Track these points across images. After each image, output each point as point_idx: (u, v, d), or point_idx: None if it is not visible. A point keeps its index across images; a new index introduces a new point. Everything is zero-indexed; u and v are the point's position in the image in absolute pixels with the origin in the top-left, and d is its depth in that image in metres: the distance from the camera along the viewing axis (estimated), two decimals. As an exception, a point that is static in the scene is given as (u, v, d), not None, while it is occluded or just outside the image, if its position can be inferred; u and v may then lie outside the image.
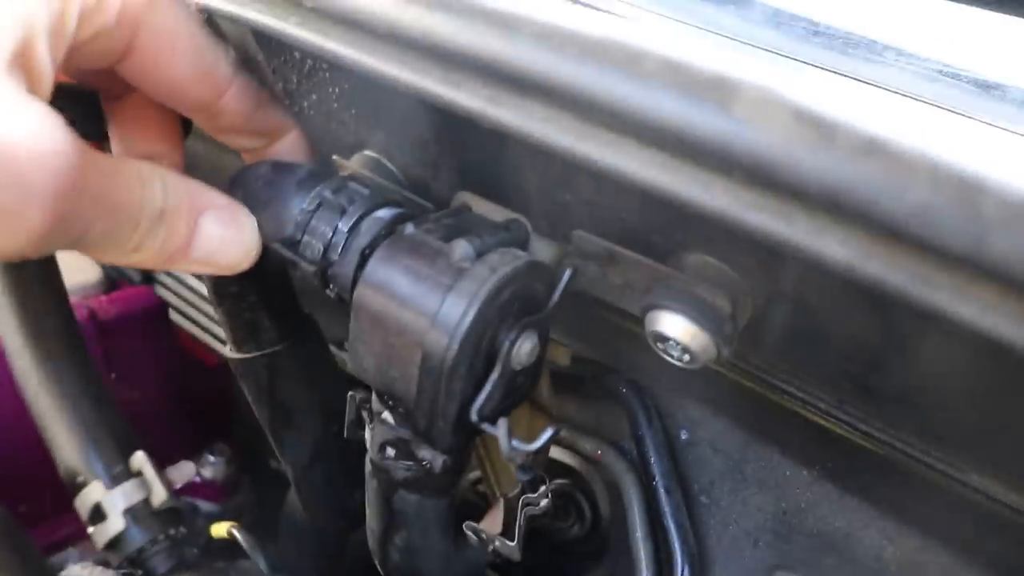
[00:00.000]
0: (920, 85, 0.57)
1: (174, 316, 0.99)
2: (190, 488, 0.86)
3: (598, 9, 0.53)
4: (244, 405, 0.71)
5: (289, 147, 0.55)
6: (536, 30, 0.35)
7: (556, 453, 0.62)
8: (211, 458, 0.86)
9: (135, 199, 0.39)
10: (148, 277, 1.03)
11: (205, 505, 0.86)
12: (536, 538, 0.68)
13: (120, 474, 0.47)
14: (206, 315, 0.90)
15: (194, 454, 0.87)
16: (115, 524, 0.46)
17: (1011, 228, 0.28)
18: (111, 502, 0.46)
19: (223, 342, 0.89)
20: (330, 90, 0.56)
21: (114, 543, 0.46)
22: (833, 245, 0.31)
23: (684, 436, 0.59)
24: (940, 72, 0.59)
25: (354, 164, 0.59)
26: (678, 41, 0.34)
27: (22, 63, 0.35)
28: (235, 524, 0.66)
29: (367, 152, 0.60)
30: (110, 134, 0.51)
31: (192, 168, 0.87)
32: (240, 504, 0.90)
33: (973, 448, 0.48)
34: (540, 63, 0.35)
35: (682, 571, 0.55)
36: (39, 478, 0.54)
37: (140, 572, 0.47)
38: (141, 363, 0.79)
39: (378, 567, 0.58)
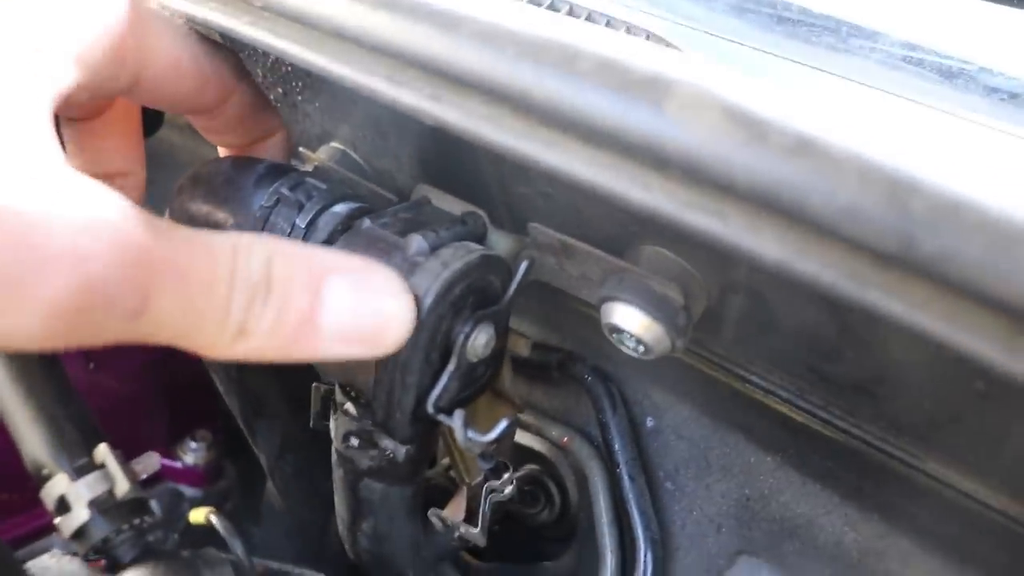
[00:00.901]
0: (881, 73, 0.57)
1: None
2: (173, 474, 0.87)
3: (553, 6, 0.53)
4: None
5: (275, 146, 0.55)
6: (476, 29, 0.36)
7: (525, 439, 0.63)
8: (192, 444, 0.86)
9: (217, 266, 0.33)
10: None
11: (188, 491, 0.87)
12: (508, 523, 0.68)
13: (84, 466, 0.47)
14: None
15: (177, 441, 0.87)
16: (80, 515, 0.47)
17: (939, 228, 0.29)
18: (76, 494, 0.47)
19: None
20: (294, 84, 0.56)
21: (79, 533, 0.47)
22: (766, 243, 0.32)
23: (650, 423, 0.59)
24: (905, 59, 0.59)
25: (321, 155, 0.60)
26: (615, 40, 0.34)
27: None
28: (212, 510, 0.66)
29: (333, 144, 0.60)
30: (69, 156, 0.45)
31: (168, 158, 0.87)
32: (224, 489, 0.91)
33: (928, 436, 0.49)
34: (479, 62, 0.35)
35: (645, 556, 0.56)
36: (17, 467, 0.55)
37: (107, 561, 0.47)
38: (120, 353, 0.79)
39: (349, 553, 0.59)
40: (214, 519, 0.66)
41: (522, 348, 0.52)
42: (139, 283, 0.30)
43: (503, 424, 0.45)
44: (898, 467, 0.51)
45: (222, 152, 0.57)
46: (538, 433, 0.62)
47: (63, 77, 0.35)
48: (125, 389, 0.81)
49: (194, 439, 0.87)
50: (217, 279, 0.33)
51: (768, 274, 0.40)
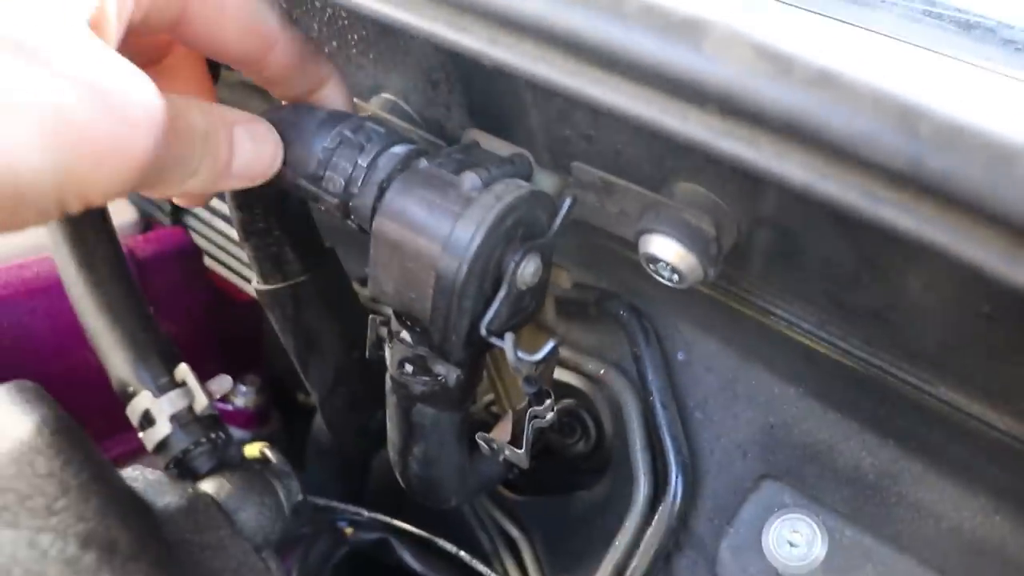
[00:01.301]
0: (901, 25, 0.60)
1: (205, 248, 1.04)
2: (224, 415, 0.92)
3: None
4: (273, 341, 0.76)
5: (330, 94, 0.56)
6: (532, -23, 0.39)
7: (562, 375, 0.67)
8: (243, 388, 0.91)
9: (189, 125, 0.42)
10: (177, 219, 1.09)
11: (237, 432, 0.92)
12: (546, 457, 0.73)
13: (166, 384, 0.52)
14: (234, 256, 0.95)
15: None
16: (162, 429, 0.51)
17: (945, 149, 0.33)
18: (159, 409, 0.51)
19: (249, 280, 0.95)
20: (349, 37, 0.60)
21: (161, 446, 0.51)
22: (793, 168, 0.36)
23: (681, 356, 0.63)
24: (925, 12, 0.62)
25: (373, 106, 0.64)
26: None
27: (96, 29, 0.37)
28: (267, 444, 0.71)
29: (385, 95, 0.64)
30: None
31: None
32: (270, 433, 0.96)
33: (939, 361, 0.53)
34: (533, 7, 0.39)
35: (676, 479, 0.60)
36: (102, 398, 0.59)
37: (186, 471, 0.52)
38: (176, 299, 0.84)
39: (399, 478, 0.63)
40: (268, 452, 0.71)
41: (564, 281, 0.56)
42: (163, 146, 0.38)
43: (549, 345, 0.49)
44: (912, 393, 0.55)
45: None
46: (575, 368, 0.66)
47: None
48: (180, 332, 0.86)
49: (243, 383, 0.92)
50: (190, 132, 0.42)
51: (794, 202, 0.44)
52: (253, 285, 0.70)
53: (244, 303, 0.91)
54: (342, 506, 0.83)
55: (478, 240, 0.47)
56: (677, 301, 0.63)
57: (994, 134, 0.32)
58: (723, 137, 0.36)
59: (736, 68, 0.35)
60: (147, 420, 0.52)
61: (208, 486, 0.51)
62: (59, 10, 0.36)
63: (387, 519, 0.81)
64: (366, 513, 0.81)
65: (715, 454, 0.62)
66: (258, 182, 0.49)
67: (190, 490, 0.49)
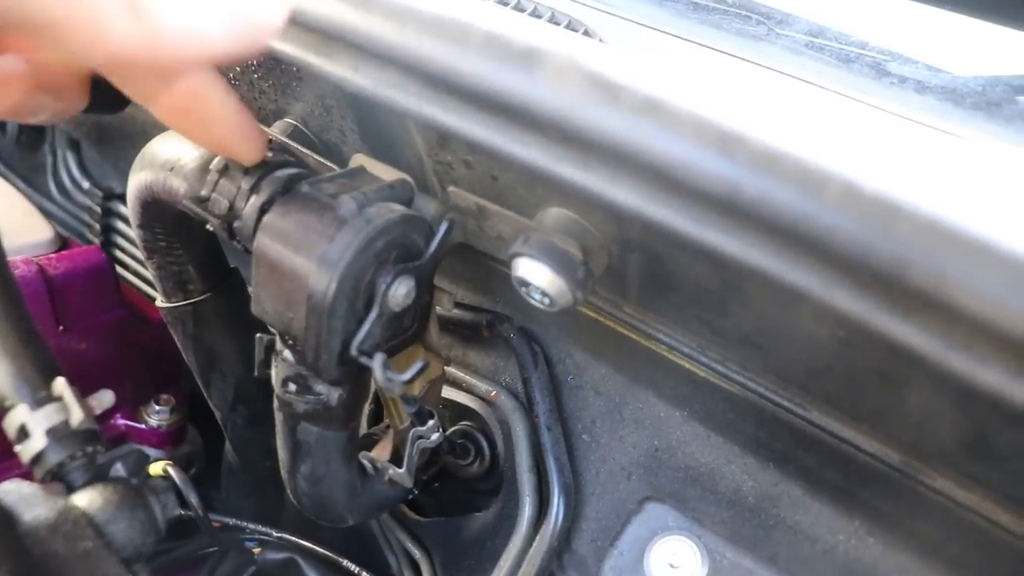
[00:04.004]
0: (784, 57, 0.62)
1: (125, 274, 1.04)
2: (138, 435, 0.91)
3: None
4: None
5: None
6: (387, 8, 0.41)
7: (458, 396, 0.68)
8: (156, 407, 0.91)
9: None
10: (105, 240, 1.09)
11: (153, 452, 0.92)
12: (445, 477, 0.73)
13: (43, 398, 0.52)
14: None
15: (143, 403, 0.92)
16: (38, 442, 0.52)
17: (762, 175, 0.34)
18: (34, 422, 0.52)
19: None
20: (250, 64, 0.62)
21: (37, 459, 0.52)
22: (624, 192, 0.37)
23: (571, 379, 0.64)
24: (808, 45, 0.64)
25: (275, 130, 0.65)
26: (506, 18, 0.40)
27: None
28: (170, 463, 0.71)
29: (287, 119, 0.65)
30: None
31: (137, 132, 0.92)
32: (187, 453, 0.96)
33: (809, 386, 0.54)
34: (389, 36, 0.40)
35: (558, 500, 0.61)
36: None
37: (61, 485, 0.52)
38: (91, 317, 0.84)
39: (291, 496, 0.64)
40: (171, 471, 0.71)
41: (447, 304, 0.57)
42: None
43: (417, 366, 0.50)
44: (788, 417, 0.56)
45: None
46: (469, 390, 0.67)
47: None
48: (93, 351, 0.86)
49: (158, 402, 0.92)
50: None
51: (640, 226, 0.45)
52: (157, 303, 0.70)
53: (160, 320, 0.91)
54: (251, 526, 0.83)
55: (347, 260, 0.47)
56: (568, 325, 0.64)
57: (807, 161, 0.34)
58: (558, 162, 0.37)
59: (567, 96, 0.36)
60: (23, 433, 0.52)
61: (80, 499, 0.51)
62: None
63: (294, 539, 0.81)
64: (274, 533, 0.81)
65: (600, 476, 0.63)
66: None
67: (61, 503, 0.49)
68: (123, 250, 1.11)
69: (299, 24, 0.43)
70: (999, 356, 0.33)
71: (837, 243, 0.33)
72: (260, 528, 0.82)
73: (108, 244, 1.13)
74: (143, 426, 0.91)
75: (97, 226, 1.12)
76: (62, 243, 0.89)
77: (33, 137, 1.18)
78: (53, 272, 0.81)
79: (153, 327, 0.87)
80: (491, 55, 0.38)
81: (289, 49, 0.44)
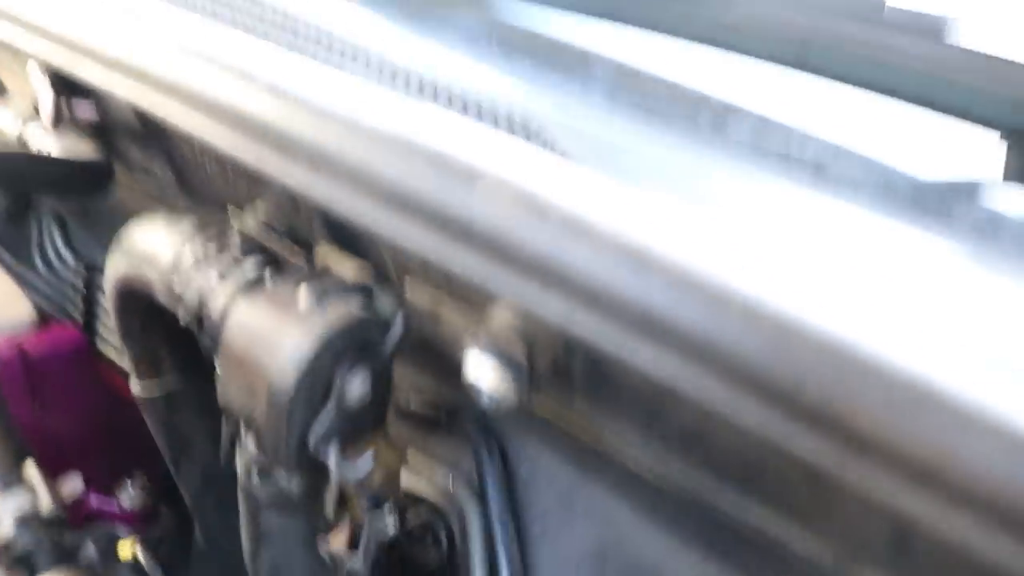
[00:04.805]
0: (724, 161, 0.66)
1: (105, 349, 1.06)
2: (110, 515, 0.93)
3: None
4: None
5: None
6: (341, 123, 0.44)
7: (418, 485, 0.70)
8: (129, 487, 0.93)
9: None
10: (88, 314, 1.11)
11: (124, 532, 0.93)
12: (407, 566, 0.75)
13: (11, 481, 0.55)
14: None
15: (118, 482, 0.94)
16: (4, 530, 0.54)
17: (671, 293, 0.37)
18: (2, 509, 0.54)
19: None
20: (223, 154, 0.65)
21: (4, 546, 0.54)
22: (552, 305, 0.40)
23: (524, 471, 0.66)
24: (750, 146, 0.67)
25: (247, 216, 0.68)
26: (455, 135, 0.43)
27: None
28: (137, 543, 0.73)
29: (258, 204, 0.69)
30: None
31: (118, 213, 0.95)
32: (159, 533, 0.97)
33: (747, 488, 0.56)
34: (341, 148, 0.44)
35: (506, 591, 0.63)
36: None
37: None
38: (68, 396, 0.87)
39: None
40: (139, 552, 0.73)
41: (406, 395, 0.60)
42: None
43: (369, 462, 0.52)
44: (726, 516, 0.59)
45: None
46: (428, 480, 0.69)
47: None
48: (68, 431, 0.88)
49: (132, 483, 0.94)
50: None
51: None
52: (131, 386, 0.73)
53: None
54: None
55: (306, 356, 0.50)
56: (523, 419, 0.67)
57: (714, 278, 0.37)
58: (491, 273, 0.41)
59: (497, 213, 0.40)
60: (-9, 518, 0.55)
61: (43, 583, 0.53)
62: None
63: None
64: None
65: (550, 568, 0.65)
66: None
67: (21, 592, 0.51)
68: (105, 325, 1.14)
69: (258, 130, 0.47)
70: (889, 469, 0.35)
71: (738, 359, 0.36)
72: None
73: (90, 318, 1.16)
74: (115, 507, 0.93)
75: (80, 301, 1.15)
76: (43, 321, 0.92)
77: (20, 210, 1.21)
78: (33, 353, 0.83)
79: (130, 406, 0.89)
80: (433, 172, 0.41)
81: (250, 152, 0.48)
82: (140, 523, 0.95)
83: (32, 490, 0.54)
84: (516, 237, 0.39)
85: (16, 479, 0.55)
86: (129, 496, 0.93)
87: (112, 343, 1.10)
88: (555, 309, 0.39)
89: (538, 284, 0.39)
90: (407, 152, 0.42)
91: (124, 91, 0.54)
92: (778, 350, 0.36)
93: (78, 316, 1.13)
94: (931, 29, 0.71)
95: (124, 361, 1.08)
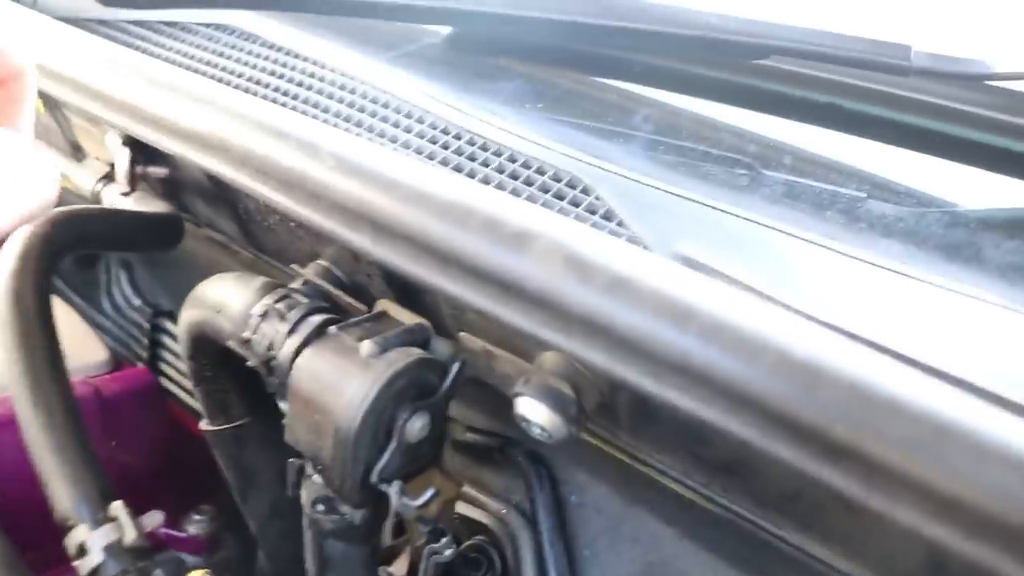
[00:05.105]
0: (761, 207, 0.69)
1: (170, 387, 1.12)
2: (177, 543, 0.98)
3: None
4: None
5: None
6: (403, 192, 0.49)
7: (472, 512, 0.73)
8: (196, 517, 0.98)
9: None
10: (153, 355, 1.17)
11: (190, 559, 0.98)
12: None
13: (101, 519, 0.59)
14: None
15: (184, 512, 0.99)
16: (95, 558, 0.58)
17: (709, 344, 0.41)
18: (92, 540, 0.59)
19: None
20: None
21: (93, 573, 0.59)
22: (596, 355, 0.44)
23: (574, 499, 0.70)
24: (785, 193, 0.71)
25: (309, 272, 0.73)
26: (503, 201, 0.47)
27: None
28: (207, 572, 0.77)
29: (320, 261, 0.73)
30: None
31: (190, 263, 1.00)
32: (223, 560, 1.02)
33: (782, 508, 0.60)
34: (401, 216, 0.48)
35: (560, 613, 0.67)
36: (45, 529, 0.66)
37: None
38: (138, 434, 0.92)
39: (316, 608, 0.70)
40: (208, 578, 0.77)
41: (461, 430, 0.64)
42: None
43: (429, 493, 0.56)
44: (766, 537, 0.62)
45: None
46: (482, 507, 0.73)
47: None
48: (140, 465, 0.94)
49: (198, 512, 0.98)
50: None
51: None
52: (201, 425, 0.78)
53: (202, 436, 0.98)
54: (282, 632, 0.89)
55: (370, 399, 0.55)
56: (572, 450, 0.70)
57: (747, 330, 0.40)
58: (543, 327, 0.45)
59: (550, 274, 0.44)
60: (82, 551, 0.59)
61: (132, 609, 0.58)
62: None
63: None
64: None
65: (600, 589, 0.69)
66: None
67: (114, 613, 0.56)
68: (170, 365, 1.19)
69: (324, 197, 0.52)
70: (912, 499, 0.39)
71: (771, 402, 0.40)
72: (290, 634, 0.87)
73: (155, 359, 1.22)
74: (183, 534, 0.98)
75: (146, 341, 1.20)
76: (116, 364, 0.98)
77: (90, 256, 1.28)
78: (107, 393, 0.89)
79: (195, 440, 0.94)
80: (488, 237, 0.45)
81: (316, 218, 0.52)
82: (206, 551, 1.00)
83: (119, 524, 0.59)
84: (566, 295, 0.43)
85: (104, 518, 0.60)
86: (195, 525, 0.98)
87: (177, 382, 1.15)
88: (601, 359, 0.43)
89: (586, 336, 0.43)
90: (464, 217, 0.46)
91: (197, 159, 0.58)
92: (807, 393, 0.39)
93: (144, 356, 1.19)
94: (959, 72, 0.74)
95: (190, 399, 1.14)
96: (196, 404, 1.09)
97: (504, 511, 0.71)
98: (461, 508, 0.73)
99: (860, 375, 0.39)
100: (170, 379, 1.17)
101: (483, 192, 0.48)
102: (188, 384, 1.08)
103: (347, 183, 0.50)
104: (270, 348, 0.60)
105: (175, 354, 1.18)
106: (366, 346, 0.56)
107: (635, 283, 0.42)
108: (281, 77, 0.77)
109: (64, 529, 0.61)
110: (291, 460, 0.65)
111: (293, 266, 0.72)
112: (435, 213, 0.47)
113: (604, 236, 0.46)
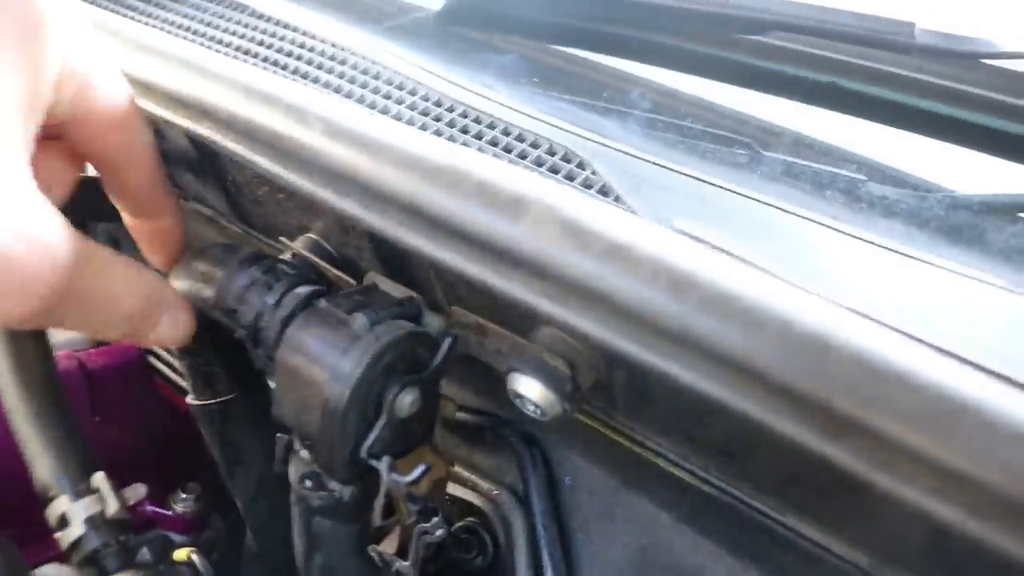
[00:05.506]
0: (760, 185, 0.68)
1: (159, 366, 1.11)
2: (165, 521, 0.96)
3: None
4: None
5: (168, 228, 0.63)
6: (396, 156, 0.47)
7: (464, 494, 0.72)
8: (183, 495, 0.96)
9: (116, 304, 0.50)
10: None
11: (177, 538, 0.96)
12: (451, 571, 0.78)
13: (83, 490, 0.58)
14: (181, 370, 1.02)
15: (170, 490, 0.97)
16: (76, 530, 0.57)
17: (709, 313, 0.39)
18: (74, 512, 0.57)
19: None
20: (275, 185, 0.68)
21: (74, 545, 0.57)
22: (592, 324, 0.42)
23: (568, 481, 0.69)
24: (784, 172, 0.69)
25: (298, 245, 0.71)
26: (496, 166, 0.46)
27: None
28: (194, 549, 0.76)
29: (309, 235, 0.72)
30: None
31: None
32: (210, 539, 1.01)
33: (781, 492, 0.58)
34: (393, 181, 0.46)
35: (552, 596, 0.65)
36: (28, 505, 0.65)
37: (95, 570, 0.58)
38: (124, 409, 0.90)
39: (303, 586, 0.68)
40: (195, 557, 0.76)
41: (450, 411, 0.62)
42: (65, 308, 0.46)
43: (419, 469, 0.55)
44: (764, 520, 0.61)
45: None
46: (474, 488, 0.72)
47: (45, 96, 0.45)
48: (126, 441, 0.92)
49: (184, 490, 0.97)
50: (110, 312, 0.50)
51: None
52: (188, 400, 0.76)
53: (191, 414, 0.97)
54: (267, 613, 0.87)
55: (359, 372, 0.53)
56: (566, 431, 0.69)
57: (749, 299, 0.39)
58: (538, 297, 0.43)
59: (545, 241, 0.42)
60: (63, 522, 0.58)
61: (114, 583, 0.57)
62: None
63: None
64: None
65: (593, 572, 0.67)
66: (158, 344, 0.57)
67: (94, 587, 0.55)
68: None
69: (313, 163, 0.50)
70: (919, 475, 0.37)
71: (775, 375, 0.38)
72: (277, 615, 0.86)
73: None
74: (169, 512, 0.97)
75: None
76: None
77: (75, 227, 1.26)
78: (92, 366, 0.87)
79: (181, 418, 0.93)
80: (483, 202, 0.44)
81: (305, 184, 0.50)
82: (192, 530, 0.99)
83: (100, 495, 0.58)
84: (563, 262, 0.41)
85: (86, 489, 0.58)
86: (182, 504, 0.96)
87: (163, 358, 1.14)
88: (598, 329, 0.42)
89: (583, 305, 0.42)
90: (457, 182, 0.44)
91: (183, 124, 0.57)
92: (813, 365, 0.38)
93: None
94: (964, 51, 0.72)
95: (176, 376, 1.12)
96: (182, 381, 1.08)
97: (496, 492, 0.70)
98: (452, 489, 0.72)
99: (868, 347, 0.37)
100: (155, 355, 1.16)
101: (477, 157, 0.46)
102: (174, 360, 1.06)
103: (336, 147, 0.48)
104: (257, 319, 0.59)
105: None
106: (357, 319, 0.55)
107: (634, 250, 0.41)
108: (270, 47, 0.76)
109: (45, 500, 0.59)
110: (279, 435, 0.63)
111: (282, 239, 0.70)
112: (427, 177, 0.45)
113: (601, 203, 0.45)
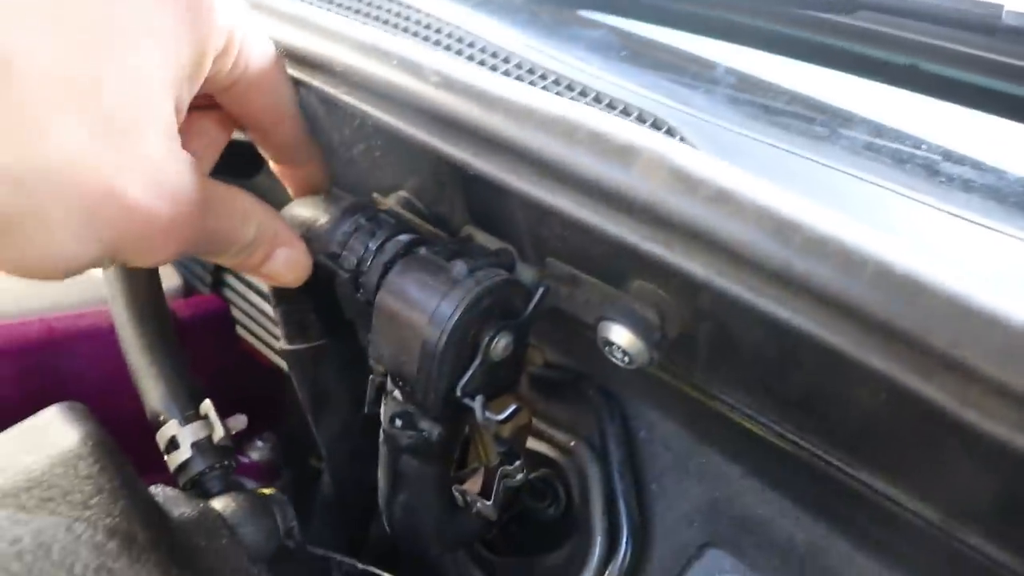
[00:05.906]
0: (841, 156, 0.70)
1: (237, 316, 1.15)
2: (239, 467, 1.00)
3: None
4: (292, 404, 0.85)
5: (313, 172, 0.67)
6: (508, 106, 0.50)
7: (539, 446, 0.75)
8: (259, 443, 1.00)
9: (235, 234, 0.53)
10: (216, 288, 1.20)
11: (250, 484, 1.00)
12: (522, 519, 0.81)
13: (191, 416, 0.62)
14: (262, 326, 1.06)
15: (246, 441, 1.01)
16: (184, 452, 0.61)
17: (811, 255, 0.42)
18: (183, 436, 0.61)
19: (274, 349, 1.05)
20: (373, 142, 0.72)
21: (182, 467, 0.61)
22: (697, 266, 0.45)
23: (643, 434, 0.72)
24: (867, 145, 0.72)
25: (391, 201, 0.74)
26: (607, 119, 0.48)
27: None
28: (273, 489, 0.80)
29: (401, 192, 0.75)
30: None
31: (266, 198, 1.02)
32: (280, 488, 1.04)
33: (855, 447, 0.61)
34: (505, 129, 0.49)
35: (627, 541, 0.68)
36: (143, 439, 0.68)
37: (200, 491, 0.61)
38: (207, 359, 0.94)
39: (385, 524, 0.72)
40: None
41: (537, 359, 0.65)
42: (197, 242, 0.50)
43: (511, 408, 0.58)
44: (837, 475, 0.63)
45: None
46: (550, 440, 0.75)
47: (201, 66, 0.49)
48: (208, 389, 0.96)
49: (261, 439, 1.01)
50: (233, 239, 0.53)
51: (719, 298, 0.53)
52: (279, 345, 0.80)
53: (268, 368, 1.00)
54: (338, 557, 0.91)
55: (457, 315, 0.56)
56: (643, 386, 0.72)
57: (849, 242, 0.41)
58: (644, 240, 0.46)
59: (655, 186, 0.45)
60: (172, 445, 0.62)
61: (217, 504, 0.60)
62: (155, 92, 0.45)
63: (378, 572, 0.88)
64: (359, 565, 0.89)
65: (665, 522, 0.70)
66: (280, 285, 0.61)
67: (201, 505, 0.58)
68: (231, 301, 1.22)
69: (429, 112, 0.53)
70: (1005, 410, 0.39)
71: (869, 311, 0.41)
72: (347, 560, 0.90)
73: (217, 284, 1.24)
74: (245, 459, 1.01)
75: (209, 277, 1.23)
76: (187, 290, 1.00)
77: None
78: (180, 317, 0.91)
79: (261, 371, 0.97)
80: (594, 150, 0.47)
81: (419, 134, 0.54)
82: (264, 478, 1.03)
83: (207, 421, 0.62)
84: (673, 208, 0.44)
85: (194, 415, 0.62)
86: (258, 451, 1.00)
87: (243, 309, 1.18)
88: (703, 270, 0.44)
89: (689, 248, 0.44)
90: (570, 131, 0.47)
91: (305, 78, 0.60)
92: (907, 302, 0.40)
93: (207, 285, 1.22)
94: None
95: (260, 329, 1.16)
96: (260, 331, 1.12)
97: (573, 443, 0.73)
98: (528, 443, 0.75)
99: (959, 287, 0.40)
100: (238, 308, 1.19)
101: (587, 110, 0.49)
102: (254, 315, 1.10)
103: (453, 99, 0.51)
104: (359, 264, 0.62)
105: (236, 292, 1.21)
106: (457, 265, 0.58)
107: (740, 195, 0.43)
108: (367, 16, 0.79)
109: (156, 424, 0.63)
110: (372, 376, 0.67)
111: (375, 195, 0.74)
112: (541, 127, 0.48)
113: (706, 154, 0.47)
